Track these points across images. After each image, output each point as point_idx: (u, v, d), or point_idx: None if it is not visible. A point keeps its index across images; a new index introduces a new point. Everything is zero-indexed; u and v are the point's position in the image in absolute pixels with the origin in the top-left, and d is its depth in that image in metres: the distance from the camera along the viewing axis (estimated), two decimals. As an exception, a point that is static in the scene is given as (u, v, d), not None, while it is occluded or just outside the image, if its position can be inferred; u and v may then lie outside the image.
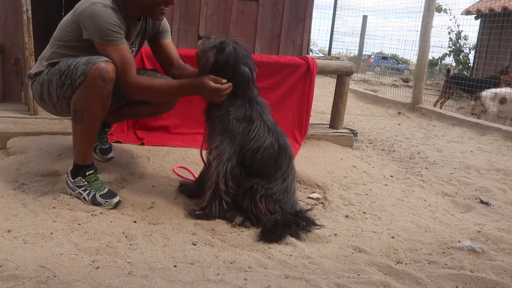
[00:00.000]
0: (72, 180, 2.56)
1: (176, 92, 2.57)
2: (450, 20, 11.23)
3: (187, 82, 2.49)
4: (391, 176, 3.67)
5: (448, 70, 8.72)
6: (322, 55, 13.66)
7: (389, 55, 23.42)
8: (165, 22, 2.81)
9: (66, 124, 3.68)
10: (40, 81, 2.57)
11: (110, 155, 3.05)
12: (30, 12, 3.73)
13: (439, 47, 11.81)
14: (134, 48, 2.73)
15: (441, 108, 8.22)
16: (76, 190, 2.55)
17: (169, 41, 2.85)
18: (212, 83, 2.37)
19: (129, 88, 2.45)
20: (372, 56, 22.62)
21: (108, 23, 2.35)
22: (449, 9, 10.89)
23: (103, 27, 2.35)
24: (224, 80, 2.39)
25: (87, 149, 2.56)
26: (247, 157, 2.44)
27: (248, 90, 2.46)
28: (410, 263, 2.18)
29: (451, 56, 11.61)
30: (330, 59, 4.53)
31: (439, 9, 10.48)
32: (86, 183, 2.54)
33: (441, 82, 10.83)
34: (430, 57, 8.58)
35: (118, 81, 2.43)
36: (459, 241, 2.42)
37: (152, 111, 2.99)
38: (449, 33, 11.26)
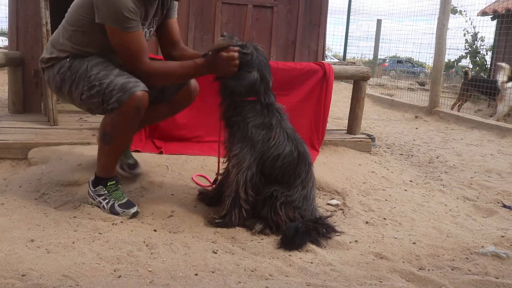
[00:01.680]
0: (93, 189, 2.58)
1: (191, 72, 2.48)
2: (466, 21, 11.11)
3: (200, 60, 2.43)
4: (411, 181, 3.64)
5: (466, 73, 8.63)
6: (337, 60, 13.63)
7: (404, 58, 23.28)
8: None
9: (85, 134, 3.72)
10: (60, 73, 2.46)
11: (138, 170, 2.99)
12: (49, 25, 3.79)
13: (455, 49, 11.68)
14: (152, 28, 2.64)
15: (458, 111, 8.14)
16: (97, 198, 2.57)
17: (175, 20, 2.75)
18: (224, 54, 2.36)
19: (144, 73, 2.39)
20: (387, 60, 22.50)
21: (125, 8, 2.24)
22: (465, 11, 10.78)
23: (119, 13, 2.24)
24: (236, 48, 2.39)
25: (112, 165, 2.58)
26: (267, 165, 2.44)
27: (265, 96, 2.46)
28: (432, 270, 2.15)
29: (468, 58, 11.48)
30: (346, 65, 4.51)
31: (454, 11, 10.38)
32: (106, 192, 2.56)
33: (457, 84, 10.73)
34: (446, 60, 8.47)
35: (131, 69, 2.39)
36: (483, 246, 2.39)
37: (168, 111, 2.88)
38: (464, 34, 11.15)
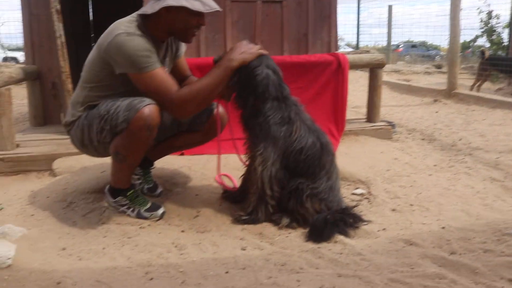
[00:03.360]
0: (113, 200, 2.58)
1: (217, 79, 2.35)
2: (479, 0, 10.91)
3: (217, 65, 2.39)
4: (435, 166, 3.59)
5: (483, 52, 8.47)
6: (351, 49, 13.52)
7: (418, 42, 22.99)
8: None
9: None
10: (79, 126, 2.45)
11: (159, 191, 2.91)
12: (63, 37, 3.84)
13: (470, 29, 11.49)
14: (166, 69, 2.60)
15: (478, 91, 8.00)
16: (119, 208, 2.57)
17: (183, 58, 2.77)
18: (237, 46, 2.41)
19: (178, 104, 2.32)
20: (401, 46, 22.25)
21: (138, 50, 2.24)
22: (477, -12, 10.59)
23: (134, 56, 2.24)
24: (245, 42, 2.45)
25: (128, 177, 2.56)
26: (291, 159, 2.43)
27: (281, 91, 2.46)
28: (464, 253, 2.11)
29: (484, 37, 11.28)
30: (360, 53, 4.48)
31: (467, -10, 10.20)
32: (128, 201, 2.56)
33: (475, 65, 10.55)
34: (461, 41, 8.33)
35: (165, 105, 2.34)
36: (514, 226, 2.34)
37: (202, 139, 2.85)
38: (479, 13, 10.95)
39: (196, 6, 2.28)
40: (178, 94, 2.31)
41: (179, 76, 2.74)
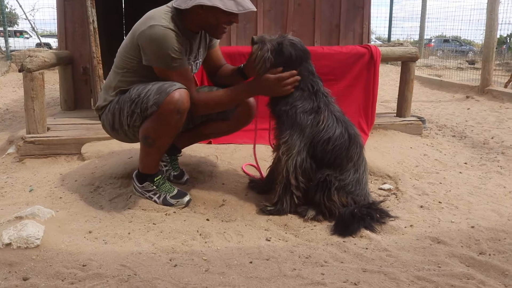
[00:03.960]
0: (139, 185, 2.59)
1: (235, 100, 2.51)
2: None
3: (245, 85, 2.47)
4: (465, 163, 3.51)
5: None
6: (380, 42, 13.30)
7: (451, 37, 22.47)
8: None
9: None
10: (111, 110, 2.48)
11: (185, 178, 2.92)
12: (96, 23, 3.88)
13: (507, 24, 11.15)
14: (198, 61, 2.64)
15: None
16: (146, 194, 2.59)
17: (218, 48, 2.78)
18: (271, 75, 2.36)
19: (193, 106, 2.39)
20: (433, 40, 21.78)
21: (170, 49, 2.27)
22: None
23: (165, 54, 2.28)
24: (280, 69, 2.37)
25: (156, 162, 2.57)
26: (318, 149, 2.40)
27: (312, 83, 2.43)
28: (494, 254, 2.06)
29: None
30: (393, 46, 4.39)
31: (505, -16, 9.90)
32: (155, 187, 2.57)
33: (510, 61, 10.25)
34: (498, 35, 8.07)
35: None
36: (547, 228, 2.27)
37: (231, 128, 2.84)
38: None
39: (229, 6, 2.27)
40: (196, 95, 2.41)
41: (214, 66, 2.77)
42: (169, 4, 2.43)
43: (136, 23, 2.39)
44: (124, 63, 2.45)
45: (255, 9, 2.36)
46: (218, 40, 2.73)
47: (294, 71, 2.38)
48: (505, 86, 7.89)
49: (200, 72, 3.46)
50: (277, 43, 2.40)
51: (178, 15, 2.37)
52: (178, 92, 2.27)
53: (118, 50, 2.51)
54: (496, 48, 8.58)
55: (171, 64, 2.31)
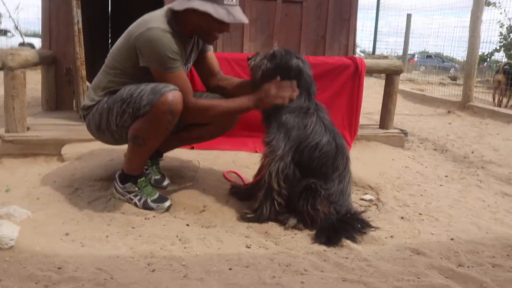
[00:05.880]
0: (121, 186, 2.56)
1: (235, 111, 2.50)
2: (501, 13, 10.81)
3: (247, 97, 2.45)
4: (446, 176, 3.54)
5: None
6: (364, 55, 13.44)
7: (433, 53, 22.83)
8: None
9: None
10: (98, 110, 2.45)
11: (166, 183, 2.91)
12: (81, 23, 3.84)
13: (488, 42, 11.37)
14: (189, 64, 2.64)
15: (506, 106, 7.87)
16: (126, 195, 2.56)
17: (211, 53, 2.77)
18: (272, 85, 2.38)
19: (189, 111, 2.37)
20: (416, 56, 22.09)
21: (168, 50, 2.27)
22: (499, 2, 10.49)
23: (163, 55, 2.27)
24: (278, 78, 2.40)
25: (142, 164, 2.56)
26: (305, 154, 2.38)
27: (309, 85, 2.47)
28: (472, 266, 2.08)
29: (501, 52, 11.17)
30: (378, 58, 4.43)
31: (488, 3, 10.11)
32: (137, 189, 2.55)
33: (490, 78, 10.43)
34: (479, 53, 8.20)
35: None
36: (525, 243, 2.29)
37: (213, 133, 2.84)
38: (500, 26, 10.85)
39: (221, 15, 2.28)
40: (194, 100, 2.40)
41: (208, 71, 2.77)
42: (164, 7, 2.44)
43: (132, 26, 2.40)
44: (117, 64, 2.43)
45: (247, 22, 2.39)
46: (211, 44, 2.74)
47: (294, 81, 2.41)
48: (494, 104, 7.97)
49: (189, 76, 3.45)
50: (270, 53, 2.47)
51: (174, 18, 2.38)
52: (172, 94, 2.27)
53: (110, 50, 2.51)
54: (478, 66, 8.72)
55: (168, 66, 2.31)
